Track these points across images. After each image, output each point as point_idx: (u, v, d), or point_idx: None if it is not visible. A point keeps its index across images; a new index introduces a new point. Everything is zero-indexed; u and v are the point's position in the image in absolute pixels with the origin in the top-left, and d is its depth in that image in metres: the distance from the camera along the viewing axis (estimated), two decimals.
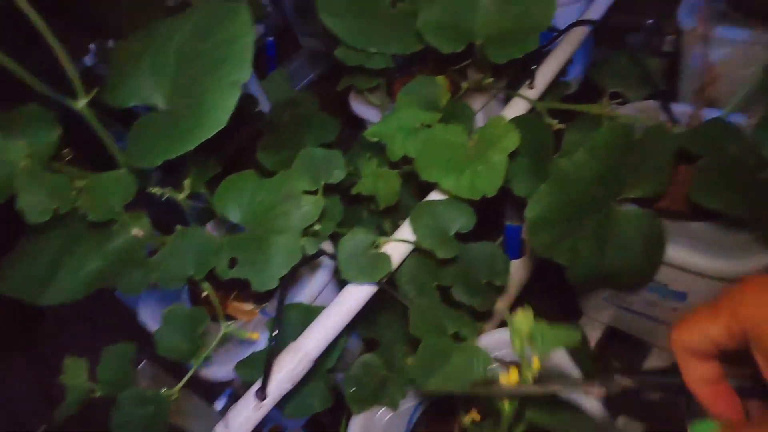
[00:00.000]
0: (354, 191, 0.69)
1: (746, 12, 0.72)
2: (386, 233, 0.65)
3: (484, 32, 0.59)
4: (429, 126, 0.60)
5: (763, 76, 0.60)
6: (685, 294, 0.59)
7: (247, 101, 1.11)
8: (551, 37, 0.74)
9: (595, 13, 0.81)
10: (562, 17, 0.94)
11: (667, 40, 0.89)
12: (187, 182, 0.56)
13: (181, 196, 0.56)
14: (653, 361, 0.73)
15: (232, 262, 0.51)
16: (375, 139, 0.63)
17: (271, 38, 1.31)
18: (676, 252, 0.55)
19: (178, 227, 0.52)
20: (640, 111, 0.69)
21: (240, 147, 1.11)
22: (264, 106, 1.17)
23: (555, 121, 0.64)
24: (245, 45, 0.43)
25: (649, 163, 0.52)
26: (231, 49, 0.44)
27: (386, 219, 0.73)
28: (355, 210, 0.75)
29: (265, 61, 1.33)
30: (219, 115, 0.41)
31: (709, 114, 0.65)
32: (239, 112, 1.06)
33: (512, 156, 0.55)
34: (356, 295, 0.51)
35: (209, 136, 0.41)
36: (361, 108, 0.84)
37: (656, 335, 0.70)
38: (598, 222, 0.53)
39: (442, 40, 0.58)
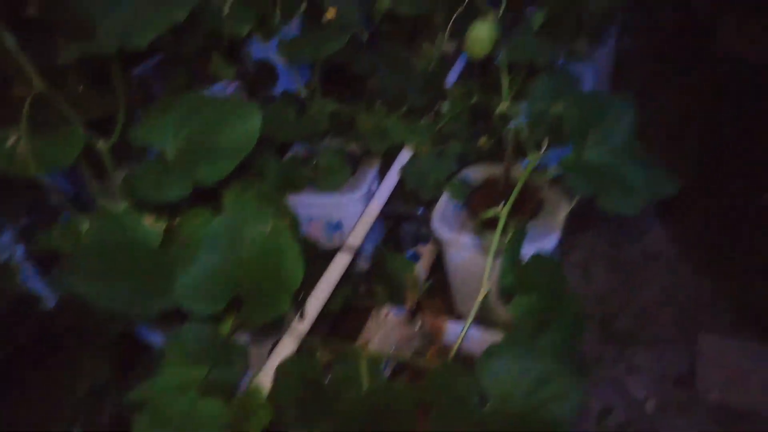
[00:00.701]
0: None
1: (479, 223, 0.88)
2: None
3: (243, 291, 0.63)
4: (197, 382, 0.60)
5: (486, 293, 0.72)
6: None
7: (25, 300, 1.01)
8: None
9: (377, 205, 0.92)
10: (348, 209, 1.05)
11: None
12: None
13: None
14: None
15: None
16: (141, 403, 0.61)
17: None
18: None
19: None
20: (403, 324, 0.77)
21: (14, 352, 0.98)
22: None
23: (326, 353, 0.69)
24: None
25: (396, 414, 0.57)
26: None
27: None
28: None
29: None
30: None
31: (454, 327, 0.76)
32: (13, 314, 0.95)
33: (282, 407, 0.58)
34: None
35: None
36: (149, 334, 0.81)
37: None
38: None
39: (201, 305, 0.60)
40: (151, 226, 0.68)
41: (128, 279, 0.63)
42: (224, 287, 0.62)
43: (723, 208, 1.50)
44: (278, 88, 1.23)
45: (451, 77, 1.13)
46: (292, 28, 1.39)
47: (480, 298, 0.70)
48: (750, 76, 1.89)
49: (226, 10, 0.83)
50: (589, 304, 1.34)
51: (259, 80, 1.30)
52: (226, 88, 1.39)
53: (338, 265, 0.78)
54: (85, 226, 0.65)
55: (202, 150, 0.63)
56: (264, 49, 1.20)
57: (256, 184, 0.79)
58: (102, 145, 0.64)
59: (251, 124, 0.64)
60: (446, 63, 1.13)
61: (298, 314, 0.71)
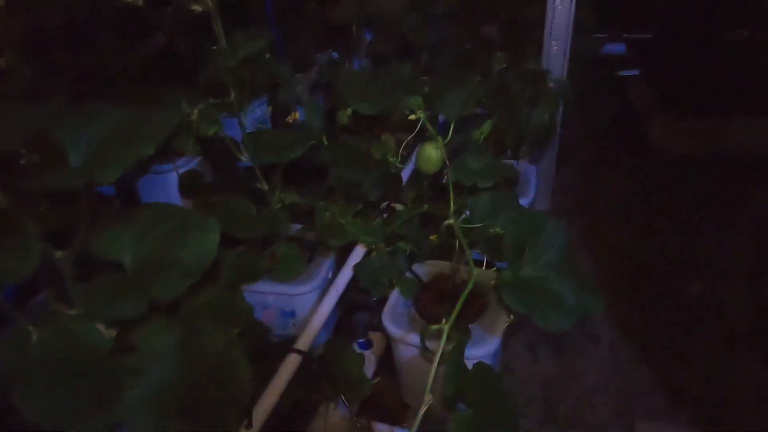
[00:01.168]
0: None
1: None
2: None
3: (190, 405, 0.64)
4: None
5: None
6: None
7: None
8: None
9: (329, 304, 0.95)
10: (303, 299, 1.08)
11: None
12: None
13: None
14: None
15: None
16: None
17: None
18: None
19: None
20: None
21: None
22: None
23: None
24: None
25: None
26: None
27: None
28: None
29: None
30: None
31: None
32: None
33: None
34: None
35: None
36: None
37: None
38: None
39: (148, 423, 0.61)
40: (103, 331, 0.69)
41: (74, 393, 0.63)
42: (173, 402, 0.63)
43: (660, 293, 1.61)
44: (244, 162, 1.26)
45: (407, 171, 1.20)
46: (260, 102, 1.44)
47: (422, 410, 0.73)
48: (679, 169, 2.09)
49: (194, 115, 0.88)
50: (534, 386, 1.39)
51: (224, 155, 1.33)
52: (189, 162, 1.42)
53: (288, 368, 0.80)
54: (34, 337, 0.65)
55: (159, 266, 0.65)
56: (230, 124, 1.24)
57: (210, 283, 0.81)
58: (60, 255, 0.66)
59: (209, 241, 0.67)
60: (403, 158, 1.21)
61: (245, 423, 0.72)
